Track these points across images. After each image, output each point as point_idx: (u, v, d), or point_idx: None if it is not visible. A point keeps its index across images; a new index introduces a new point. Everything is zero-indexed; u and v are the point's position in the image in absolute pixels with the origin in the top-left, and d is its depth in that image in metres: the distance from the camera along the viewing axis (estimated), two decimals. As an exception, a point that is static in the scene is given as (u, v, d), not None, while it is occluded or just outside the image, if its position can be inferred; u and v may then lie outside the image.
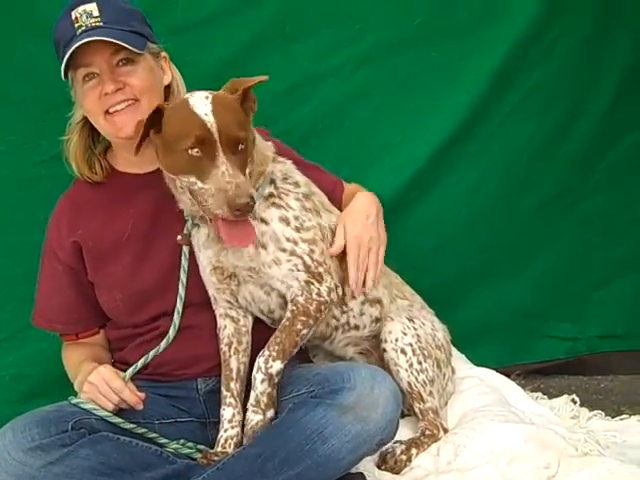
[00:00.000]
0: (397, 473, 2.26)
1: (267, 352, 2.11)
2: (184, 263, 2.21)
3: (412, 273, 2.65)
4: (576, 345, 3.25)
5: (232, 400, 2.20)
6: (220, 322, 2.27)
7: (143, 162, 2.29)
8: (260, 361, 2.11)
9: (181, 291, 2.21)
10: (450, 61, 2.94)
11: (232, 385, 2.22)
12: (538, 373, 3.17)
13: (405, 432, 2.39)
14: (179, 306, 2.20)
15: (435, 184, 3.03)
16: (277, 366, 2.10)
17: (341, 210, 2.36)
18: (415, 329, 2.38)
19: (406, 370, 2.34)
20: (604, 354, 3.24)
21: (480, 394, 2.53)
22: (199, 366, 2.30)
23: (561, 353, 3.24)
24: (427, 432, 2.35)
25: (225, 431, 2.17)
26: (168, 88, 2.33)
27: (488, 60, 2.95)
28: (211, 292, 2.26)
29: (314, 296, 2.15)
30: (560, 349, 3.24)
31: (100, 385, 2.10)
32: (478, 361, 2.81)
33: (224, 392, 2.22)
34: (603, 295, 3.25)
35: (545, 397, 2.86)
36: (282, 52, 2.86)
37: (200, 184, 1.97)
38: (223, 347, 2.26)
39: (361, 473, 2.08)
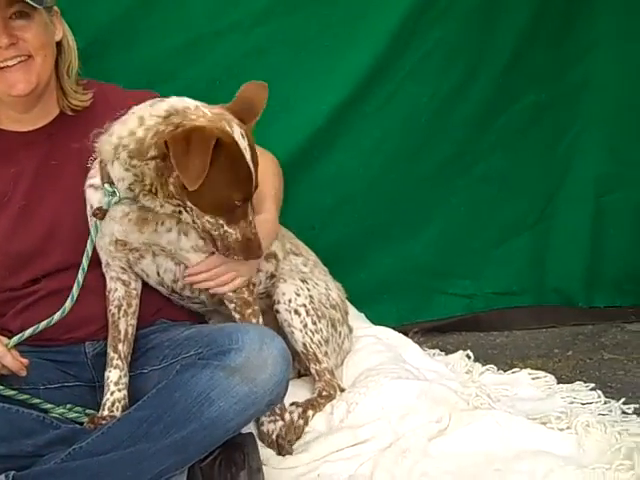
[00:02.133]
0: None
1: None
2: (93, 234, 2.08)
3: (312, 232, 2.66)
4: (473, 302, 3.32)
5: (119, 362, 2.17)
6: (111, 285, 2.23)
7: (27, 119, 2.22)
8: None
9: (85, 263, 2.09)
10: (349, 20, 2.92)
11: (120, 347, 2.18)
12: (436, 330, 3.21)
13: (302, 393, 2.41)
14: (80, 278, 2.09)
15: (334, 143, 3.02)
16: None
17: None
18: (308, 289, 2.39)
19: (300, 331, 2.36)
20: (499, 310, 3.32)
21: (375, 352, 2.57)
22: (87, 328, 2.24)
23: (459, 310, 3.30)
24: (324, 393, 2.37)
25: (112, 394, 2.14)
26: (59, 45, 2.23)
27: (386, 20, 2.94)
28: (105, 258, 2.20)
29: None
30: (458, 306, 3.31)
31: None
32: (377, 320, 2.85)
33: (111, 354, 2.18)
34: (500, 253, 3.32)
35: (442, 354, 2.93)
36: (179, 8, 2.79)
37: (226, 227, 2.00)
38: (112, 309, 2.22)
39: (251, 433, 2.07)
